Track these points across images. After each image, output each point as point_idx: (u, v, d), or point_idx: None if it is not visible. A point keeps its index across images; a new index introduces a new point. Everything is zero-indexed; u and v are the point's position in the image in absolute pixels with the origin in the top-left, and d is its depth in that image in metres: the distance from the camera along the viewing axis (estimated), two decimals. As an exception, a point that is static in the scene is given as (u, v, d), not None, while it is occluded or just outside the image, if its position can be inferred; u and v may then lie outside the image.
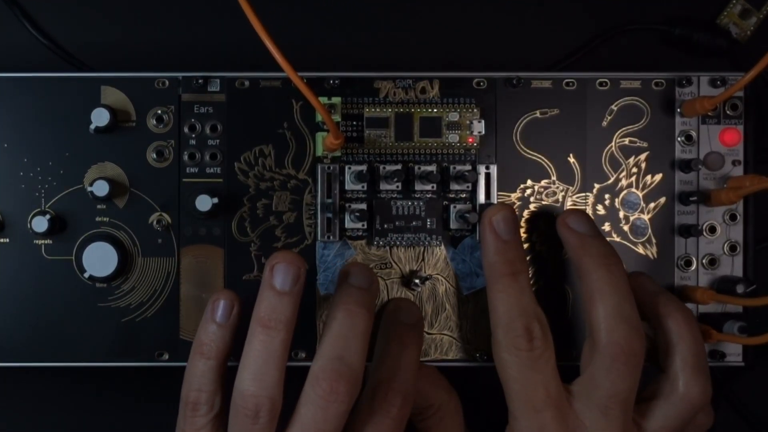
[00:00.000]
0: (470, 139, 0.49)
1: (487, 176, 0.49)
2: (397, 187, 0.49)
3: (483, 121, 0.49)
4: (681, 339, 0.46)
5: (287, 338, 0.43)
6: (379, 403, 0.44)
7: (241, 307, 0.45)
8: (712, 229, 0.50)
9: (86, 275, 0.48)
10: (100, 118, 0.47)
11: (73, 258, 0.48)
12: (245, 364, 0.43)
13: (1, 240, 0.48)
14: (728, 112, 0.50)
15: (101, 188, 0.47)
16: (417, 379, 0.45)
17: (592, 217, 0.49)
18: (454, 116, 0.49)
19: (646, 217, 0.50)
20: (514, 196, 0.50)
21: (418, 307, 0.48)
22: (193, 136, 0.49)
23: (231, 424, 0.44)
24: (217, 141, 0.49)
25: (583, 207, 0.50)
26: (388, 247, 0.49)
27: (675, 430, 0.46)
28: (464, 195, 0.49)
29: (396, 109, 0.49)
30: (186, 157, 0.49)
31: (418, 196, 0.49)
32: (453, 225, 0.49)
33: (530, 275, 0.49)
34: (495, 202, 0.49)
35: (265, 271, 0.44)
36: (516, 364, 0.45)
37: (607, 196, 0.50)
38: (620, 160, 0.50)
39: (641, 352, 0.44)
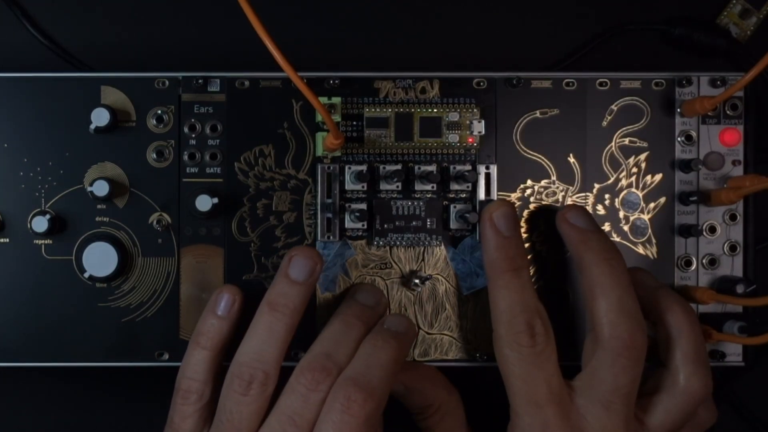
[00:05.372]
0: (470, 139, 0.49)
1: (487, 176, 0.49)
2: (397, 187, 0.49)
3: (483, 121, 0.49)
4: (681, 333, 0.46)
5: (292, 324, 0.44)
6: (342, 399, 0.43)
7: (243, 303, 0.46)
8: (712, 229, 0.50)
9: (86, 275, 0.48)
10: (100, 118, 0.47)
11: (73, 258, 0.48)
12: (247, 339, 0.45)
13: (1, 240, 0.48)
14: (728, 112, 0.50)
15: (101, 188, 0.47)
16: (392, 381, 0.44)
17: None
18: (454, 116, 0.49)
19: (646, 217, 0.50)
20: (514, 196, 0.50)
21: (409, 320, 0.47)
22: (193, 136, 0.49)
23: (223, 395, 0.45)
24: (217, 141, 0.49)
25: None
26: (388, 247, 0.49)
27: (677, 424, 0.46)
28: (464, 195, 0.49)
29: (396, 109, 0.49)
30: (186, 157, 0.49)
31: (418, 196, 0.49)
32: (453, 225, 0.49)
33: (531, 274, 0.49)
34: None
35: (283, 260, 0.45)
36: (518, 360, 0.45)
37: (607, 196, 0.50)
38: (620, 160, 0.50)
39: (643, 346, 0.45)
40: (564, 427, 0.44)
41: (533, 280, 0.49)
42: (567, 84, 0.50)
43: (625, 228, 0.50)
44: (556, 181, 0.50)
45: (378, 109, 0.49)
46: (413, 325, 0.48)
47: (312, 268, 0.45)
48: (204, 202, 0.47)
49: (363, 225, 0.49)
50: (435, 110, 0.49)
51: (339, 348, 0.44)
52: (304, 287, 0.45)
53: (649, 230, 0.50)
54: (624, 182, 0.50)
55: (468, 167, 0.49)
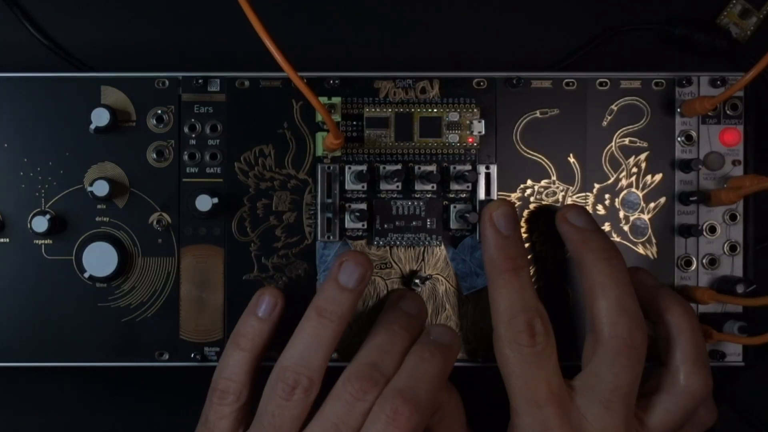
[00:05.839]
0: (470, 139, 0.49)
1: (487, 176, 0.49)
2: (397, 187, 0.49)
3: (483, 121, 0.49)
4: (681, 332, 0.46)
5: (339, 331, 0.44)
6: (388, 411, 0.43)
7: (284, 306, 0.46)
8: (712, 229, 0.50)
9: (86, 275, 0.48)
10: (100, 118, 0.47)
11: (73, 258, 0.48)
12: (292, 344, 0.44)
13: (1, 240, 0.48)
14: (728, 112, 0.50)
15: (101, 188, 0.47)
16: (438, 394, 0.44)
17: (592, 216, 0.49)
18: (454, 116, 0.49)
19: (646, 217, 0.50)
20: (514, 196, 0.50)
21: (454, 332, 0.47)
22: (193, 136, 0.49)
23: (265, 397, 0.44)
24: (217, 141, 0.49)
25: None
26: (388, 247, 0.49)
27: (677, 424, 0.46)
28: (464, 195, 0.49)
29: (396, 109, 0.49)
30: (186, 157, 0.49)
31: (418, 196, 0.49)
32: (453, 225, 0.49)
33: (531, 274, 0.49)
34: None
35: (333, 265, 0.45)
36: (518, 359, 0.45)
37: (607, 196, 0.50)
38: (620, 160, 0.50)
39: (643, 346, 0.45)
40: (564, 426, 0.44)
41: (533, 280, 0.49)
42: (567, 84, 0.50)
43: (625, 228, 0.50)
44: (556, 181, 0.50)
45: (378, 109, 0.49)
46: (458, 337, 0.47)
47: (362, 274, 0.45)
48: (204, 202, 0.47)
49: (363, 225, 0.49)
50: (435, 110, 0.49)
51: (386, 358, 0.44)
52: (353, 294, 0.44)
53: (649, 230, 0.50)
54: (624, 182, 0.50)
55: (468, 167, 0.49)
